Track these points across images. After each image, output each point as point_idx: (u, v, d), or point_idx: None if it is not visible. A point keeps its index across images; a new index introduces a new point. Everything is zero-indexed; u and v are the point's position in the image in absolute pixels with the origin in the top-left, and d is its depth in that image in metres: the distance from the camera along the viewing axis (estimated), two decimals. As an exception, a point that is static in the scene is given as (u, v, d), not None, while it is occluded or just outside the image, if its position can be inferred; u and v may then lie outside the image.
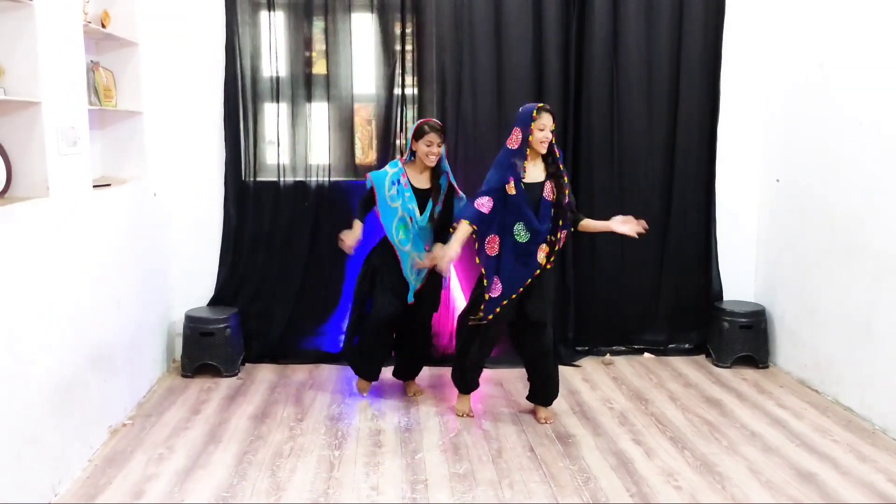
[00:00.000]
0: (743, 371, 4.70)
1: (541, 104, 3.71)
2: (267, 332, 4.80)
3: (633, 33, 4.73)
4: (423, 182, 4.03)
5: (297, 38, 4.64)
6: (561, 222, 3.74)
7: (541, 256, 3.69)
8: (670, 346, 5.03)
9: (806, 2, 4.44)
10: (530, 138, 3.64)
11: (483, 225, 3.65)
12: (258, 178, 4.74)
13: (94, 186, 3.63)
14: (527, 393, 4.01)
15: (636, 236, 3.81)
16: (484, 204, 3.62)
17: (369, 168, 4.79)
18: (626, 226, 3.78)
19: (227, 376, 4.51)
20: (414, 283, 4.04)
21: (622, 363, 4.86)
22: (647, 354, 4.99)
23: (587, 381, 4.53)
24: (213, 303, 4.77)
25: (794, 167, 4.59)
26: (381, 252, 4.08)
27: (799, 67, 4.52)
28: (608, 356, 4.93)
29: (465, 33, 4.65)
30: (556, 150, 3.76)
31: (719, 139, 4.89)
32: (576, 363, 4.81)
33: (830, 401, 4.19)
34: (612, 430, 3.79)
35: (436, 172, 4.06)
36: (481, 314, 3.72)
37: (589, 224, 3.86)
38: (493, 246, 3.71)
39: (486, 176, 3.75)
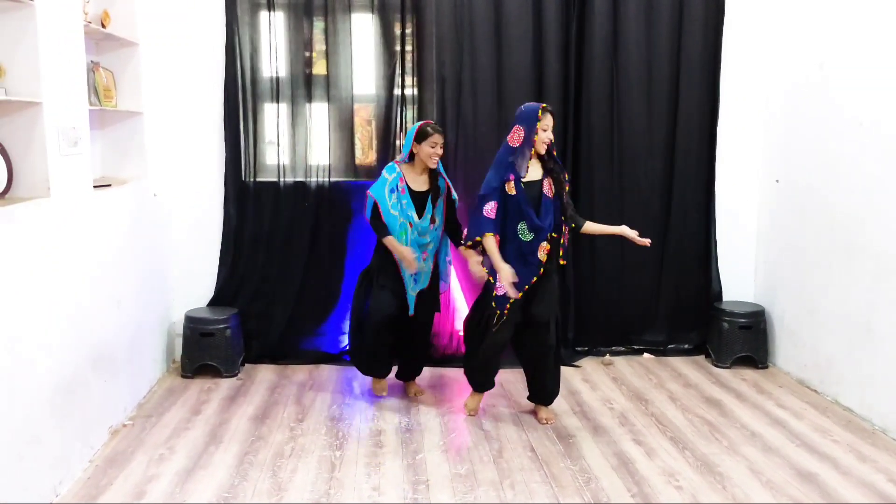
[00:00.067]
0: (742, 371, 4.70)
1: (544, 104, 3.71)
2: (267, 332, 4.79)
3: (632, 33, 4.73)
4: (421, 184, 4.03)
5: (298, 39, 4.64)
6: (563, 218, 3.75)
7: (541, 254, 3.69)
8: (670, 346, 5.03)
9: (806, 2, 4.45)
10: (535, 138, 3.65)
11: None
12: (258, 179, 4.73)
13: (95, 187, 3.62)
14: (527, 393, 4.02)
15: (645, 244, 3.82)
16: (491, 210, 3.64)
17: (369, 168, 4.81)
18: (633, 232, 3.80)
19: (227, 377, 4.51)
20: (413, 289, 4.03)
21: (622, 363, 4.86)
22: (646, 355, 4.99)
23: (587, 381, 4.54)
24: (213, 303, 4.77)
25: (793, 167, 4.60)
26: (379, 257, 4.08)
27: (799, 67, 4.53)
28: (608, 356, 4.93)
29: (465, 34, 4.66)
30: (554, 150, 3.77)
31: (719, 139, 4.89)
32: (576, 363, 4.81)
33: (830, 401, 4.19)
34: (613, 431, 3.79)
35: (433, 174, 4.06)
36: (497, 312, 3.72)
37: (594, 228, 3.86)
38: (464, 233, 3.75)
39: (486, 175, 3.75)
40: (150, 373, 4.36)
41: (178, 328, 4.65)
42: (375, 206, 3.94)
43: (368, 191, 3.96)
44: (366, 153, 4.89)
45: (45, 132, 3.05)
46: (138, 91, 4.29)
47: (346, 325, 4.82)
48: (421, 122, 4.02)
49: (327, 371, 4.68)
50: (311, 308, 4.82)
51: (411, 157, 4.00)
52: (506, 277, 3.63)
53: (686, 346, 5.04)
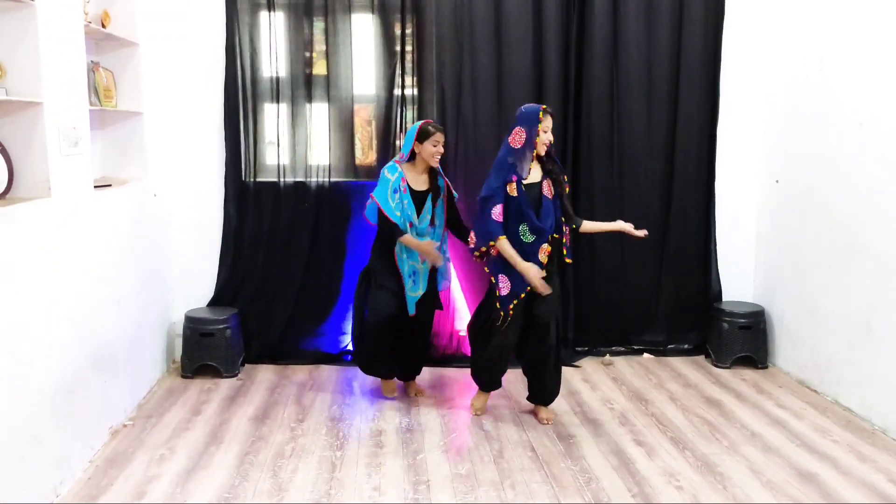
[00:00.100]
0: (742, 371, 4.70)
1: (544, 106, 3.72)
2: (267, 332, 4.79)
3: (633, 33, 4.73)
4: (421, 184, 4.03)
5: (298, 39, 4.64)
6: (564, 219, 3.76)
7: (542, 256, 3.70)
8: (669, 346, 5.04)
9: (806, 2, 4.45)
10: (536, 139, 3.65)
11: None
12: (258, 179, 4.73)
13: (95, 187, 3.62)
14: (527, 394, 4.02)
15: (641, 236, 3.89)
16: (499, 213, 3.63)
17: (369, 169, 4.81)
18: (629, 225, 3.86)
19: (227, 377, 4.51)
20: (412, 289, 4.03)
21: (622, 364, 4.86)
22: (646, 355, 4.99)
23: (587, 381, 4.54)
24: (213, 303, 4.76)
25: (793, 167, 4.60)
26: (377, 256, 4.08)
27: (799, 67, 4.53)
28: (608, 356, 4.94)
29: (465, 34, 4.66)
30: (553, 151, 3.78)
31: (719, 139, 4.90)
32: (576, 363, 4.81)
33: (830, 401, 4.20)
34: (613, 431, 3.80)
35: (432, 173, 4.06)
36: (501, 314, 3.72)
37: (591, 226, 3.88)
38: (473, 242, 3.74)
39: (487, 177, 3.74)
40: (150, 373, 4.36)
41: (178, 328, 4.65)
42: (380, 210, 3.91)
43: (372, 194, 3.94)
44: (366, 153, 4.89)
45: (46, 132, 3.05)
46: (138, 91, 4.29)
47: (347, 325, 4.84)
48: (421, 122, 4.02)
49: (327, 371, 4.68)
50: (311, 308, 4.82)
51: (412, 156, 4.00)
52: (534, 275, 3.62)
53: (686, 346, 5.04)
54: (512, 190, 3.64)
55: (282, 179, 4.73)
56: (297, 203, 4.73)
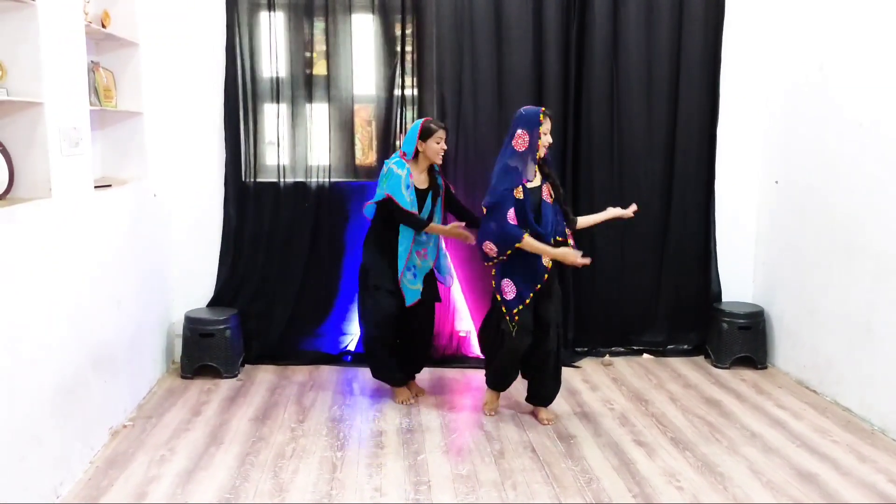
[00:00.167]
0: (742, 372, 4.71)
1: (543, 108, 3.72)
2: (267, 332, 4.79)
3: (633, 34, 4.74)
4: (422, 182, 4.03)
5: (298, 39, 4.64)
6: (566, 222, 3.77)
7: (545, 260, 3.69)
8: (669, 346, 5.04)
9: (806, 2, 4.46)
10: (539, 142, 3.65)
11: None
12: (258, 179, 4.73)
13: (95, 187, 3.62)
14: (526, 394, 4.02)
15: (632, 215, 3.96)
16: (513, 216, 3.60)
17: (369, 169, 4.81)
18: (618, 209, 3.94)
19: (226, 377, 4.51)
20: (412, 281, 4.03)
21: (621, 364, 4.86)
22: (646, 355, 5.00)
23: (587, 381, 4.54)
24: (213, 303, 4.76)
25: (793, 167, 4.60)
26: (370, 255, 4.07)
27: (799, 68, 4.53)
28: (607, 357, 4.94)
29: (466, 34, 4.66)
30: (548, 155, 3.80)
31: (719, 140, 4.90)
32: (576, 364, 4.82)
33: (829, 401, 4.20)
34: (613, 431, 3.80)
35: (431, 171, 4.06)
36: (507, 318, 3.72)
37: (586, 221, 3.90)
38: (493, 250, 3.68)
39: (491, 179, 3.72)
40: (150, 373, 4.36)
41: (178, 329, 4.65)
42: (397, 204, 3.87)
43: (388, 192, 3.87)
44: (366, 154, 4.88)
45: (47, 132, 3.05)
46: (138, 91, 4.29)
47: (347, 326, 4.85)
48: (422, 120, 4.01)
49: (327, 371, 4.67)
50: (311, 308, 4.81)
51: (415, 154, 3.98)
52: (571, 255, 3.62)
53: (685, 346, 5.04)
54: (518, 193, 3.62)
55: (282, 180, 4.72)
56: (297, 203, 4.73)
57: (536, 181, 3.73)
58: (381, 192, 3.93)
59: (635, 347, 5.04)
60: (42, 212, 3.00)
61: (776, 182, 4.77)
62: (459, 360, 4.81)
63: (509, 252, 3.63)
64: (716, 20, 4.79)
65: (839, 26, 4.15)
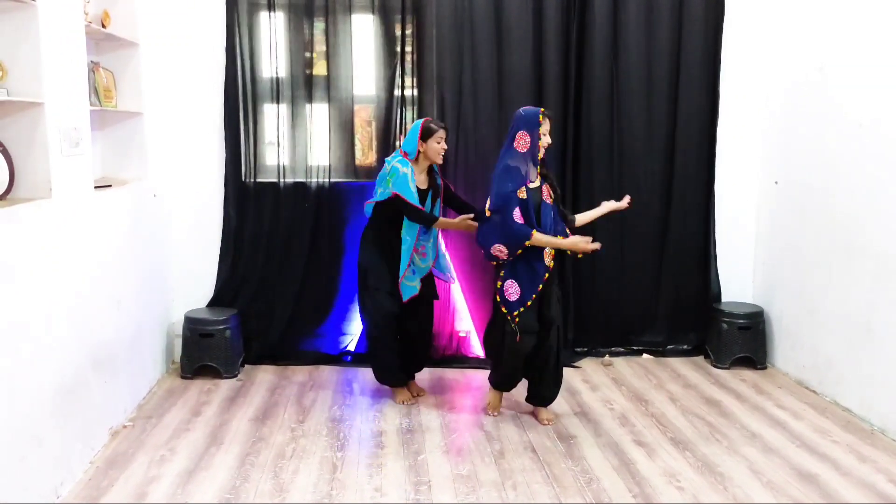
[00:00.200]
0: (741, 372, 4.71)
1: (542, 109, 3.72)
2: (267, 333, 4.79)
3: (633, 34, 4.74)
4: (422, 182, 4.03)
5: (298, 39, 4.64)
6: (564, 222, 3.77)
7: (547, 260, 3.70)
8: (669, 347, 5.04)
9: (806, 2, 4.46)
10: (540, 143, 3.66)
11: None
12: (258, 179, 4.73)
13: (95, 187, 3.62)
14: (526, 394, 4.02)
15: (626, 205, 3.97)
16: (519, 216, 3.60)
17: (369, 169, 4.81)
18: (612, 203, 3.95)
19: (226, 378, 4.50)
20: (410, 278, 4.02)
21: (621, 364, 4.87)
22: (645, 355, 5.00)
23: (587, 382, 4.54)
24: (213, 304, 4.76)
25: (793, 168, 4.61)
26: (367, 255, 4.06)
27: (798, 68, 4.54)
28: (607, 357, 4.94)
29: (466, 35, 4.66)
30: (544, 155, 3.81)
31: (719, 140, 4.90)
32: (575, 364, 4.82)
33: (829, 401, 4.20)
34: (614, 431, 3.80)
35: (431, 172, 4.07)
36: (508, 318, 3.72)
37: (583, 218, 3.91)
38: (503, 251, 3.68)
39: (492, 181, 3.71)
40: (150, 373, 4.36)
41: (178, 329, 4.64)
42: (406, 202, 3.87)
43: (396, 191, 3.87)
44: (366, 154, 4.89)
45: (47, 133, 3.05)
46: (138, 91, 4.29)
47: (347, 326, 4.85)
48: (422, 120, 4.01)
49: (327, 372, 4.67)
50: (311, 309, 4.81)
51: (416, 155, 3.98)
52: (582, 242, 3.63)
53: (685, 346, 5.05)
54: (522, 193, 3.62)
55: (282, 180, 4.72)
56: (297, 203, 4.73)
57: (536, 182, 3.74)
58: (385, 191, 3.91)
59: (635, 347, 5.04)
60: (42, 212, 3.00)
61: (776, 182, 4.78)
62: (459, 360, 4.81)
63: (519, 252, 3.63)
64: (716, 20, 4.79)
65: (839, 26, 4.15)
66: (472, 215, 3.96)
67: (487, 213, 3.68)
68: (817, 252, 4.35)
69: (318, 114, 4.71)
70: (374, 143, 4.83)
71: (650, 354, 5.00)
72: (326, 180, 4.73)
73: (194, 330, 4.49)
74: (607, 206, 3.98)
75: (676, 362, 4.91)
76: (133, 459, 3.44)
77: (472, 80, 4.70)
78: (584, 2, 4.68)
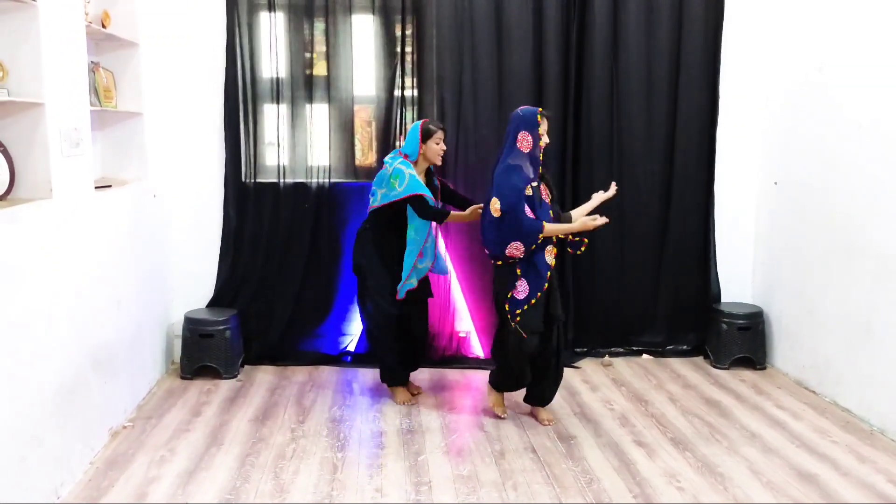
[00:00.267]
0: (741, 372, 4.71)
1: (540, 109, 3.72)
2: (266, 333, 4.79)
3: (633, 34, 4.74)
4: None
5: (298, 40, 4.64)
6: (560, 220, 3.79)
7: (549, 258, 3.70)
8: (668, 347, 5.04)
9: (806, 2, 4.46)
10: (540, 142, 3.66)
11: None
12: (258, 180, 4.73)
13: (95, 188, 3.62)
14: (525, 394, 4.02)
15: (614, 193, 3.97)
16: (529, 212, 3.61)
17: (369, 170, 4.81)
18: (600, 194, 3.96)
19: (226, 378, 4.50)
20: (410, 277, 4.03)
21: (621, 364, 4.87)
22: (645, 356, 5.00)
23: (587, 382, 4.55)
24: (213, 304, 4.76)
25: (793, 168, 4.61)
26: (364, 256, 4.06)
27: (798, 68, 4.54)
28: (607, 357, 4.94)
29: (466, 35, 4.66)
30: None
31: (719, 140, 4.90)
32: (575, 364, 4.82)
33: (828, 402, 4.20)
34: (614, 432, 3.80)
35: (428, 172, 4.07)
36: (509, 316, 3.71)
37: (577, 214, 3.93)
38: (520, 248, 3.66)
39: (493, 182, 3.69)
40: (150, 374, 4.35)
41: (178, 329, 4.64)
42: (421, 200, 3.86)
43: (415, 192, 3.84)
44: (366, 154, 4.89)
45: (48, 133, 3.05)
46: (138, 91, 4.29)
47: (346, 326, 4.85)
48: (421, 121, 4.01)
49: (327, 372, 4.67)
50: (311, 309, 4.81)
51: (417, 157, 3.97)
52: (590, 221, 3.65)
53: (685, 347, 5.05)
54: (528, 191, 3.62)
55: (282, 180, 4.72)
56: (297, 204, 4.73)
57: (535, 182, 3.74)
58: (392, 193, 3.86)
59: (635, 348, 5.04)
60: (43, 212, 3.00)
61: (775, 183, 4.78)
62: (459, 360, 4.81)
63: (534, 246, 3.63)
64: (716, 20, 4.80)
65: (839, 26, 4.16)
66: (481, 205, 3.90)
67: (497, 214, 3.62)
68: (817, 252, 4.36)
69: (318, 114, 4.71)
70: (374, 144, 4.83)
71: (650, 355, 5.01)
72: (326, 181, 4.73)
73: (194, 330, 4.49)
74: (597, 197, 3.96)
75: (676, 363, 4.91)
76: (133, 460, 3.44)
77: (472, 80, 4.70)
78: (584, 2, 4.68)
